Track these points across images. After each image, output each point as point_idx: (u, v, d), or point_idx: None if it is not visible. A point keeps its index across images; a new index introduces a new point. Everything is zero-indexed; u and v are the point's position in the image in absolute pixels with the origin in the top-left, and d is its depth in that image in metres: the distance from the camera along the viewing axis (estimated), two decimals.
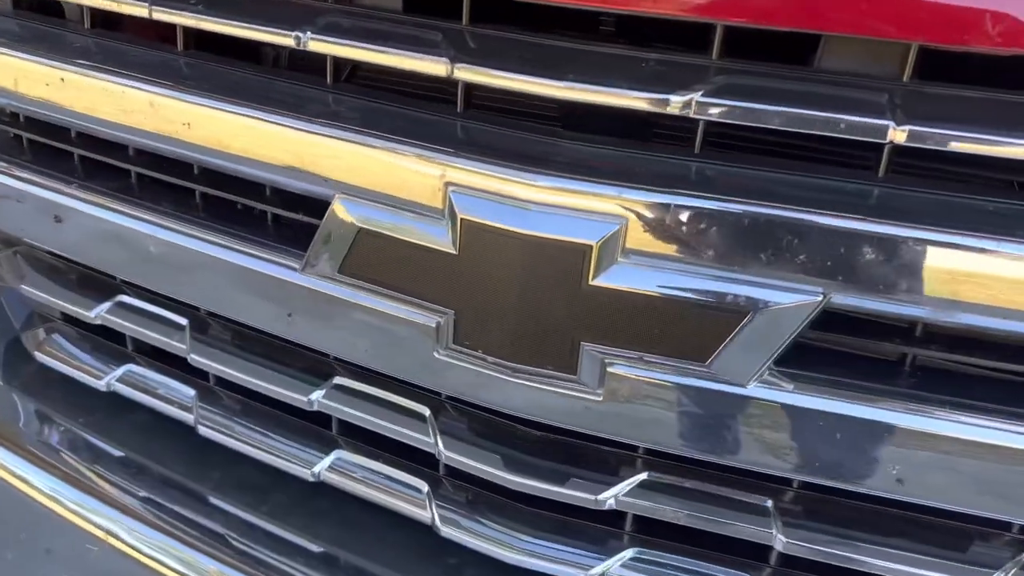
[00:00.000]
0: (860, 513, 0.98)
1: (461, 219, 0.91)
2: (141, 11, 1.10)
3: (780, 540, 0.98)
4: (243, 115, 1.01)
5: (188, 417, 1.29)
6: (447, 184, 0.91)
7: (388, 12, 1.03)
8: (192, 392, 1.30)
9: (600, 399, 0.93)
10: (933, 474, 0.87)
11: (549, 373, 0.93)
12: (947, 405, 0.87)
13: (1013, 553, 0.95)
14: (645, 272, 0.87)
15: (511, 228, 0.88)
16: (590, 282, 0.87)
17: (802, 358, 0.88)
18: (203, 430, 1.27)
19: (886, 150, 0.86)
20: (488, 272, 0.91)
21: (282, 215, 1.10)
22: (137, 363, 1.35)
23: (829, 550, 0.97)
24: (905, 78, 0.85)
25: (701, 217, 0.84)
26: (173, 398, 1.30)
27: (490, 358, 0.94)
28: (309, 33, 1.00)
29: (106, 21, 1.21)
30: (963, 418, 0.86)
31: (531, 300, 0.90)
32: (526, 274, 0.89)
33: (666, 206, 0.85)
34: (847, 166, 0.90)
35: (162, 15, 1.09)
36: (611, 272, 0.87)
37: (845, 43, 0.88)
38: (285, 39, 1.01)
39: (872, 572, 0.97)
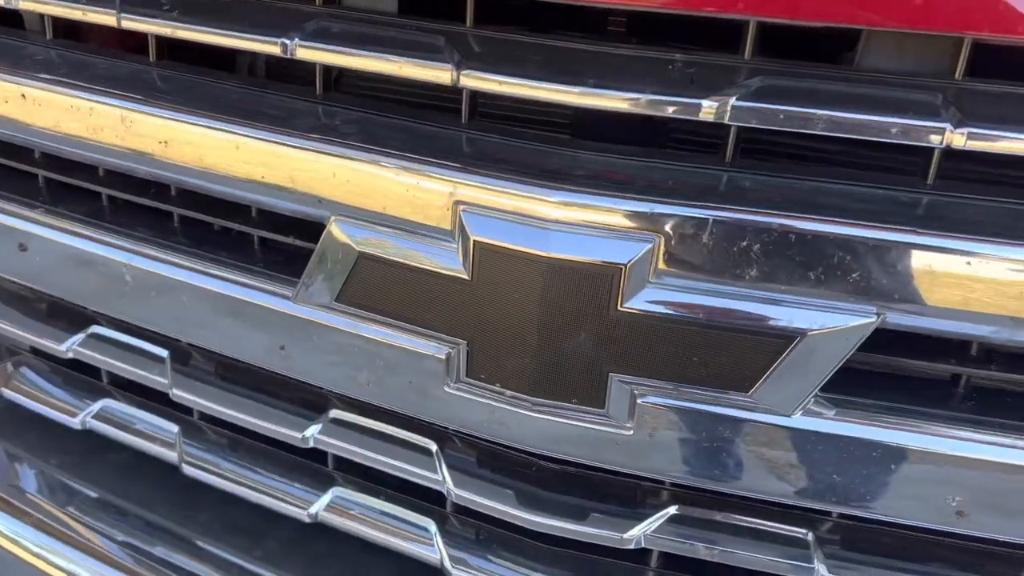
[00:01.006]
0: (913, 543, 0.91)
1: (474, 241, 0.82)
2: (108, 19, 1.00)
3: None
4: (227, 131, 0.92)
5: (172, 455, 1.19)
6: (457, 203, 0.83)
7: (382, 15, 0.94)
8: (175, 428, 1.20)
9: (630, 433, 0.85)
10: (997, 504, 0.80)
11: (573, 407, 0.85)
12: (1010, 429, 0.80)
13: None
14: (680, 295, 0.79)
15: (531, 250, 0.80)
16: (620, 307, 0.79)
17: (848, 383, 0.81)
18: (188, 469, 1.18)
19: (936, 155, 0.79)
20: (505, 298, 0.83)
21: (271, 239, 1.01)
22: (114, 398, 1.25)
23: None
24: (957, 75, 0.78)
25: (741, 233, 0.77)
26: (155, 435, 1.21)
27: (508, 392, 0.86)
28: (297, 40, 0.91)
29: (70, 31, 1.12)
30: None
31: (554, 328, 0.81)
32: (548, 300, 0.81)
33: (703, 221, 0.77)
34: (888, 171, 0.83)
35: (132, 24, 0.99)
36: (642, 295, 0.79)
37: (886, 39, 0.80)
38: (270, 47, 0.92)
39: None
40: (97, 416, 1.24)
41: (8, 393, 1.30)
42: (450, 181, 0.83)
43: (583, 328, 0.81)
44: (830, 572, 0.90)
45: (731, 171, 0.82)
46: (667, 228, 0.78)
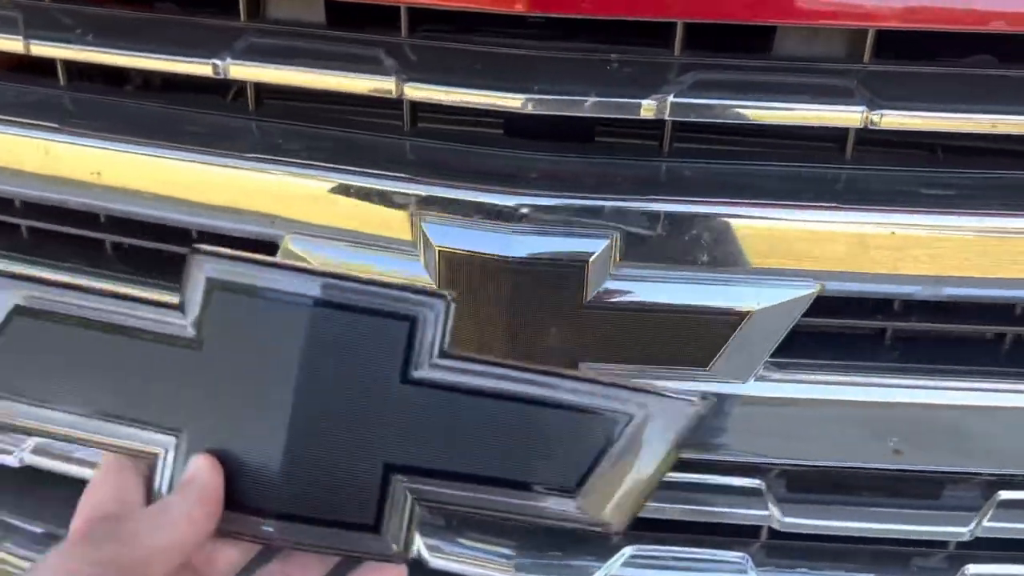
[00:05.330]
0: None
1: (438, 250, 0.85)
2: (14, 45, 0.96)
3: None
4: (165, 156, 0.90)
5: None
6: (416, 213, 0.85)
7: (310, 26, 0.94)
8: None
9: None
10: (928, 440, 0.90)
11: None
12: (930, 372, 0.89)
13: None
14: (640, 284, 0.84)
15: (497, 254, 0.83)
16: (586, 300, 0.84)
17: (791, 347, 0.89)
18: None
19: (851, 134, 0.86)
20: (473, 302, 0.86)
21: None
22: None
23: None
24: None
25: (690, 221, 0.82)
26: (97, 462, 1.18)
27: None
28: (229, 59, 0.90)
29: None
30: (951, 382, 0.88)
31: (524, 326, 0.85)
32: (517, 300, 0.84)
33: (655, 213, 0.82)
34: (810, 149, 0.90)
35: (44, 50, 0.95)
36: (606, 288, 0.84)
37: (800, 30, 0.87)
38: (200, 67, 0.90)
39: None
40: (36, 451, 1.20)
41: None
42: (409, 193, 0.85)
43: (554, 323, 0.85)
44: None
45: (668, 161, 0.87)
46: (624, 222, 0.82)
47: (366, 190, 0.86)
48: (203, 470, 0.65)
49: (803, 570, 1.09)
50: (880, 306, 0.91)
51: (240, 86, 1.01)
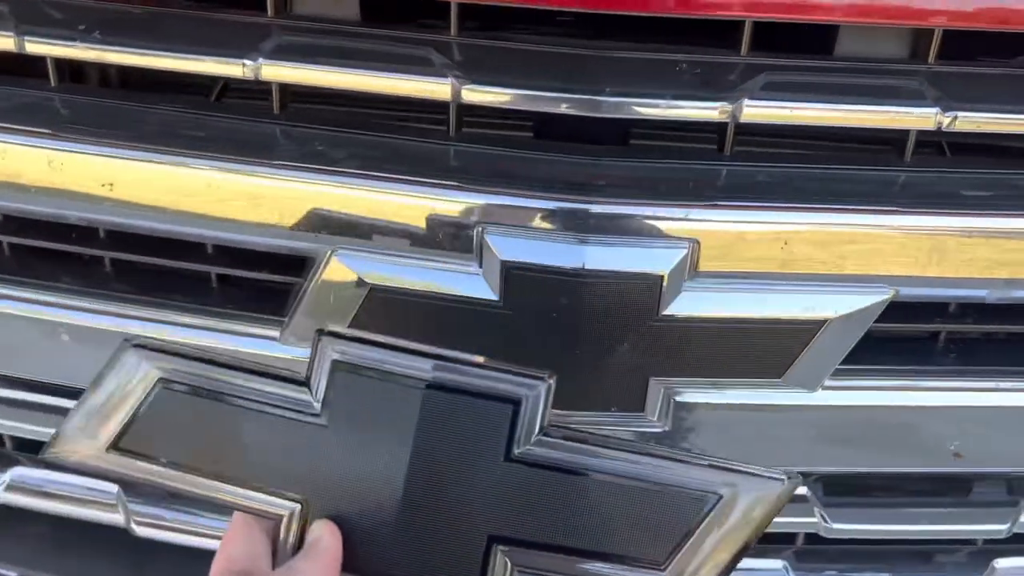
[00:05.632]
0: None
1: (503, 263, 0.79)
2: (4, 43, 0.86)
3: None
4: (195, 167, 0.82)
5: (116, 518, 1.07)
6: (478, 224, 0.80)
7: (344, 23, 0.87)
8: (114, 487, 1.08)
9: (667, 429, 0.87)
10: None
11: (613, 415, 0.85)
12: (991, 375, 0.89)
13: None
14: (716, 295, 0.81)
15: (569, 266, 0.79)
16: (661, 313, 0.80)
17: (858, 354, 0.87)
18: (140, 530, 1.07)
19: (912, 136, 0.85)
20: (539, 319, 0.81)
21: (238, 276, 0.92)
22: (27, 465, 1.10)
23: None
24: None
25: (772, 227, 0.79)
26: (91, 499, 1.08)
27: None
28: (260, 60, 0.82)
29: None
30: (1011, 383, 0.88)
31: (594, 343, 0.81)
32: (587, 315, 0.80)
33: (735, 221, 0.79)
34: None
35: (40, 47, 0.85)
36: (681, 299, 0.80)
37: (863, 30, 0.85)
38: (229, 68, 0.82)
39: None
40: (11, 488, 1.09)
41: None
42: (471, 202, 0.79)
43: (625, 339, 0.81)
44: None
45: (735, 165, 0.84)
46: (703, 231, 0.79)
47: (421, 200, 0.80)
48: (325, 535, 0.69)
49: (833, 572, 1.08)
50: (937, 310, 0.90)
51: (224, 85, 0.94)
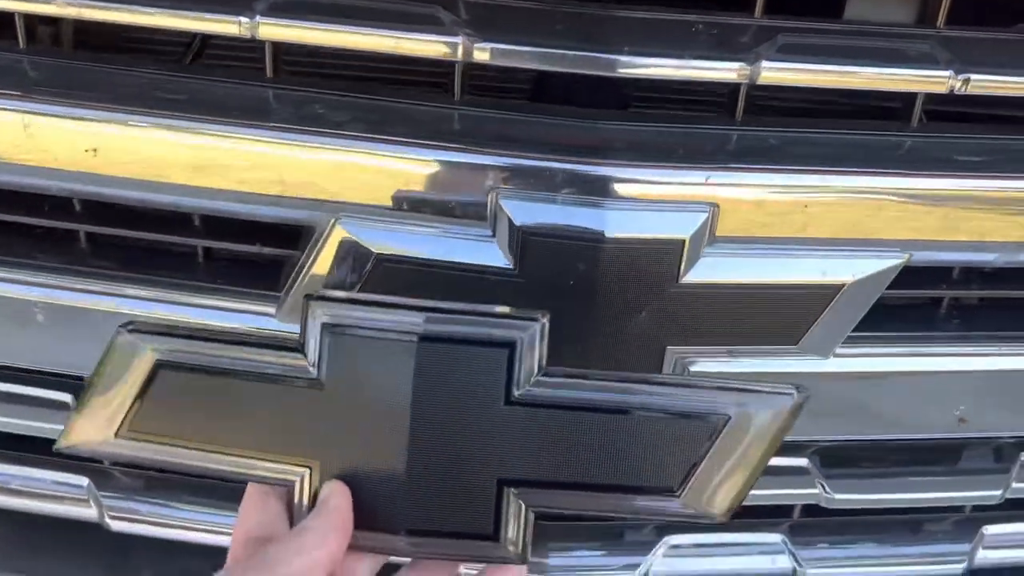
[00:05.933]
0: None
1: (519, 229, 0.77)
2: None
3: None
4: (189, 132, 0.77)
5: (89, 513, 1.01)
6: (492, 188, 0.77)
7: None
8: (85, 481, 1.02)
9: None
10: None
11: None
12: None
13: None
14: (735, 260, 0.79)
15: (588, 231, 0.76)
16: (680, 281, 0.78)
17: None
18: (116, 524, 1.01)
19: (919, 99, 0.85)
20: (555, 288, 0.78)
21: (226, 250, 0.87)
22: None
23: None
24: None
25: (797, 193, 0.78)
26: (62, 494, 1.02)
27: None
28: (258, 17, 0.78)
29: None
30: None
31: (611, 312, 0.79)
32: (605, 283, 0.78)
33: (758, 185, 0.77)
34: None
35: (10, 3, 0.79)
36: (701, 265, 0.78)
37: None
38: (223, 26, 0.78)
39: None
40: None
41: None
42: (486, 165, 0.76)
43: (643, 306, 0.79)
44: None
45: (749, 130, 0.83)
46: (724, 195, 0.77)
47: (432, 164, 0.77)
48: (335, 494, 0.70)
49: (827, 544, 1.09)
50: (940, 275, 0.90)
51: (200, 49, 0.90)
